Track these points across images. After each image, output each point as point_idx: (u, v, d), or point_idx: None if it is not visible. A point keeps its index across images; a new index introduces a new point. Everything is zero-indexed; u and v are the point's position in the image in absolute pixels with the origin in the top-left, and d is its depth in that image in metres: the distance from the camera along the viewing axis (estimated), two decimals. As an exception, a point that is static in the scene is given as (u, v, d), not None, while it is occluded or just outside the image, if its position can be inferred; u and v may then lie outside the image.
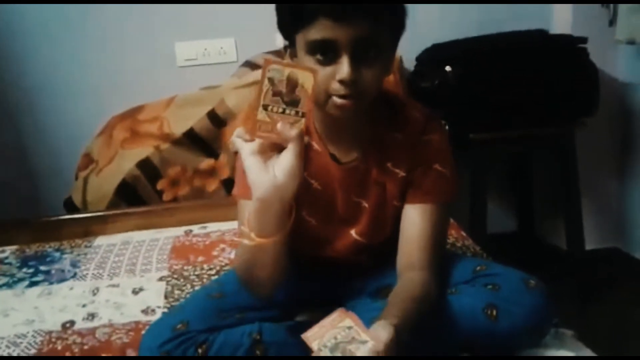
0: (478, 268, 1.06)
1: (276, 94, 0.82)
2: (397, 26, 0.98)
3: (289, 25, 0.96)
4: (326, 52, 0.92)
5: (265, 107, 0.82)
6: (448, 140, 1.10)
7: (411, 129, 1.06)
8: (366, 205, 1.10)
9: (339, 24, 0.88)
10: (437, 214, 1.05)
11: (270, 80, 0.82)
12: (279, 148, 0.84)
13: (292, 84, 0.82)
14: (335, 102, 0.94)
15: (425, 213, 1.05)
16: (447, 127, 1.90)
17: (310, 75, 0.82)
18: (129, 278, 1.46)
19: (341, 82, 0.91)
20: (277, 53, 2.01)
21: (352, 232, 1.12)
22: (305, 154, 1.05)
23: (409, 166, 1.06)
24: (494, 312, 0.97)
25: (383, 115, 1.07)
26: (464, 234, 1.55)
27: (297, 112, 0.83)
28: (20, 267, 1.58)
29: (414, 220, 1.05)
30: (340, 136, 1.07)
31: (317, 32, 0.90)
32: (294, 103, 0.83)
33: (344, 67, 0.90)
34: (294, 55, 0.99)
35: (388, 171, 1.07)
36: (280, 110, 0.83)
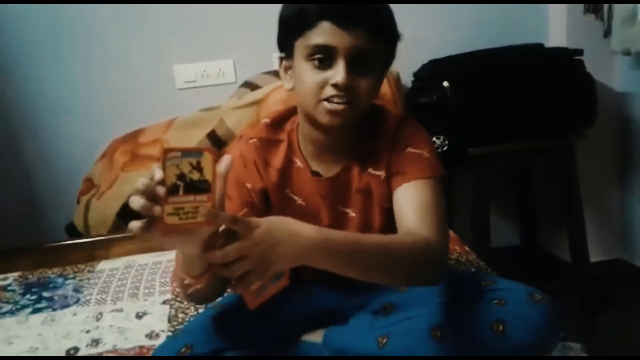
0: (483, 283, 1.05)
1: (177, 185, 0.73)
2: (392, 44, 1.02)
3: (291, 30, 1.00)
4: (324, 57, 0.96)
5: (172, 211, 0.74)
6: (424, 131, 1.10)
7: (388, 134, 1.09)
8: (353, 214, 1.11)
9: (340, 30, 0.93)
10: (422, 190, 1.02)
11: (170, 169, 0.73)
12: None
13: (193, 169, 0.74)
14: (327, 107, 0.98)
15: (409, 191, 1.03)
16: (446, 142, 1.92)
17: (208, 155, 0.74)
18: (133, 302, 1.46)
19: (335, 85, 0.95)
20: (274, 73, 2.03)
21: None
22: (288, 171, 1.10)
23: (387, 164, 1.08)
24: (501, 327, 0.96)
25: (363, 125, 1.09)
26: (467, 248, 1.55)
27: (195, 204, 0.74)
28: (23, 294, 1.57)
29: (401, 200, 1.03)
30: (324, 153, 1.10)
31: (319, 36, 0.95)
32: (198, 189, 0.74)
33: (340, 72, 0.95)
34: (288, 67, 1.04)
35: (370, 175, 1.09)
36: (180, 206, 0.73)
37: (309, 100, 1.00)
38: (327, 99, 0.97)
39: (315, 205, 1.11)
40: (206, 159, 0.74)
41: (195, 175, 0.73)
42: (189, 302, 1.07)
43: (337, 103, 0.97)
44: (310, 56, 0.97)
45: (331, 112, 0.98)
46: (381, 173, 1.09)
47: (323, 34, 0.94)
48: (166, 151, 0.73)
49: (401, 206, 1.03)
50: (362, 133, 1.09)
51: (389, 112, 1.16)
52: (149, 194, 0.72)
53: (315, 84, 0.97)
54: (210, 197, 0.74)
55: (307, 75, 0.98)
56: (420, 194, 1.02)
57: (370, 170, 1.09)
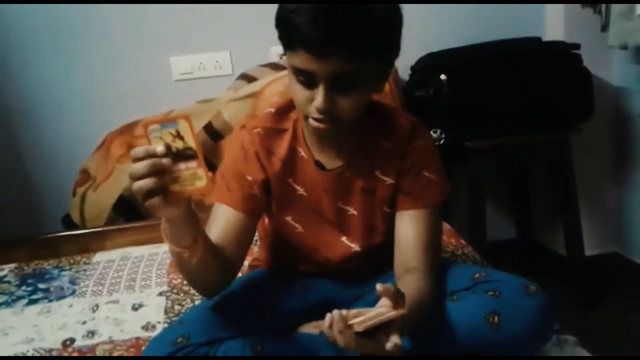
0: (477, 275, 1.06)
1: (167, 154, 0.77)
2: (386, 51, 0.99)
3: (281, 42, 0.99)
4: (305, 79, 0.96)
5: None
6: (434, 145, 1.14)
7: (399, 137, 1.09)
8: (354, 212, 1.12)
9: (318, 59, 0.91)
10: (428, 218, 1.07)
11: (155, 142, 0.77)
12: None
13: (176, 137, 0.78)
14: (312, 123, 0.99)
15: (417, 218, 1.07)
16: (443, 136, 1.92)
17: (185, 123, 0.77)
18: (129, 294, 1.46)
19: (316, 109, 0.96)
20: (271, 66, 2.02)
21: (344, 239, 1.13)
22: (292, 161, 1.10)
23: (397, 173, 1.09)
24: (496, 319, 0.96)
25: (370, 123, 1.09)
26: (463, 242, 1.55)
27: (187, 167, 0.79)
28: (19, 285, 1.57)
29: (407, 226, 1.07)
30: (327, 144, 1.10)
31: (298, 61, 0.94)
32: (185, 157, 0.78)
33: (318, 97, 0.95)
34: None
35: (376, 179, 1.10)
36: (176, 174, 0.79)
37: (299, 110, 1.03)
38: (313, 116, 0.98)
39: (316, 197, 1.11)
40: (183, 127, 0.77)
41: (179, 144, 0.77)
42: (195, 289, 1.07)
43: (321, 121, 0.98)
44: (294, 74, 0.97)
45: (316, 129, 1.00)
46: (389, 179, 1.10)
47: (302, 60, 0.93)
48: (147, 124, 0.76)
49: (404, 229, 1.07)
50: (366, 130, 1.09)
51: (397, 111, 1.18)
52: (155, 171, 0.75)
53: (301, 100, 0.98)
54: (199, 162, 0.78)
55: (295, 88, 0.99)
56: (425, 222, 1.07)
57: (377, 173, 1.10)
